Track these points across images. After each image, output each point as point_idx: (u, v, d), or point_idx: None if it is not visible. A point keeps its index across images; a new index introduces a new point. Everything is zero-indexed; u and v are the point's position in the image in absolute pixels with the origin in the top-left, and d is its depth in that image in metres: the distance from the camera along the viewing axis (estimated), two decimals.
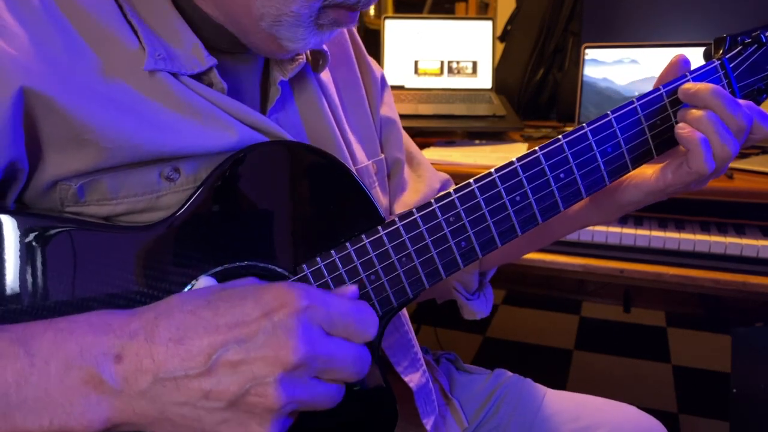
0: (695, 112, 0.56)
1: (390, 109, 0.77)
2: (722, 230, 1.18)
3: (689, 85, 0.57)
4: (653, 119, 0.58)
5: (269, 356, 0.42)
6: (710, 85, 0.56)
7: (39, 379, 0.41)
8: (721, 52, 0.61)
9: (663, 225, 1.21)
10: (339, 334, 0.46)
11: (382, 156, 0.74)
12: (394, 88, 1.70)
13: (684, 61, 0.60)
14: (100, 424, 0.41)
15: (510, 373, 0.87)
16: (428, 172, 0.81)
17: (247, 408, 0.42)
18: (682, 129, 0.57)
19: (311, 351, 0.43)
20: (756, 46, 0.60)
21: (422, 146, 1.46)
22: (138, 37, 0.52)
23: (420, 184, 0.78)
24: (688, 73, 0.59)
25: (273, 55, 0.59)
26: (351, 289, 0.51)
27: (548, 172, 0.55)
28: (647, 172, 0.61)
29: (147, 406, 0.41)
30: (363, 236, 0.53)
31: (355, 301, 0.48)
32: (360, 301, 0.48)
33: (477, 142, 1.55)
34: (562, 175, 0.55)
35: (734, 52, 0.60)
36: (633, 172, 0.61)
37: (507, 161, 0.55)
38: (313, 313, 0.44)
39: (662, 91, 0.58)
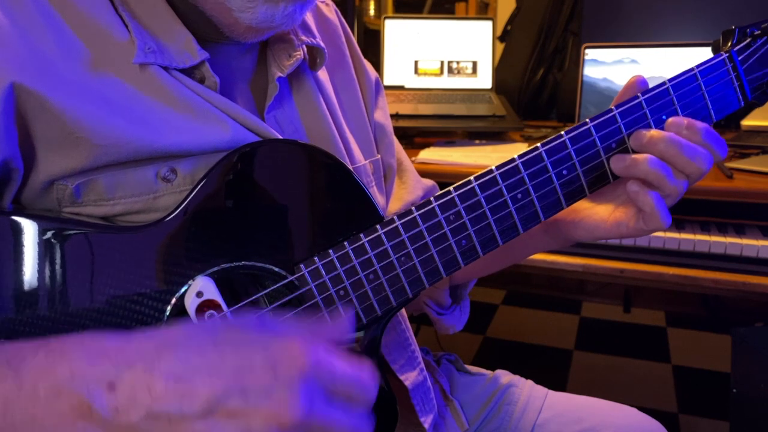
0: (645, 168, 0.54)
1: (383, 114, 0.76)
2: (722, 230, 1.17)
3: (642, 134, 0.55)
4: (659, 114, 0.57)
5: (268, 412, 0.39)
6: (664, 134, 0.54)
7: (27, 403, 0.39)
8: (729, 44, 0.59)
9: None
10: (340, 398, 0.43)
11: (378, 156, 0.73)
12: (394, 88, 1.70)
13: (641, 82, 0.58)
14: None
15: (511, 375, 0.87)
16: (412, 180, 0.79)
17: None
18: (634, 189, 0.55)
19: (310, 414, 0.40)
20: (766, 38, 0.59)
21: (422, 146, 1.46)
22: (129, 31, 0.52)
23: (403, 191, 0.77)
24: (694, 67, 0.57)
25: (241, 36, 0.56)
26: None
27: (551, 169, 0.55)
28: (602, 217, 0.60)
29: None
30: (361, 235, 0.52)
31: (359, 366, 0.45)
32: (363, 365, 0.45)
33: (477, 142, 1.54)
34: (564, 172, 0.55)
35: (743, 44, 0.59)
36: (587, 213, 0.60)
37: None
38: (319, 373, 0.42)
39: (668, 85, 0.57)
